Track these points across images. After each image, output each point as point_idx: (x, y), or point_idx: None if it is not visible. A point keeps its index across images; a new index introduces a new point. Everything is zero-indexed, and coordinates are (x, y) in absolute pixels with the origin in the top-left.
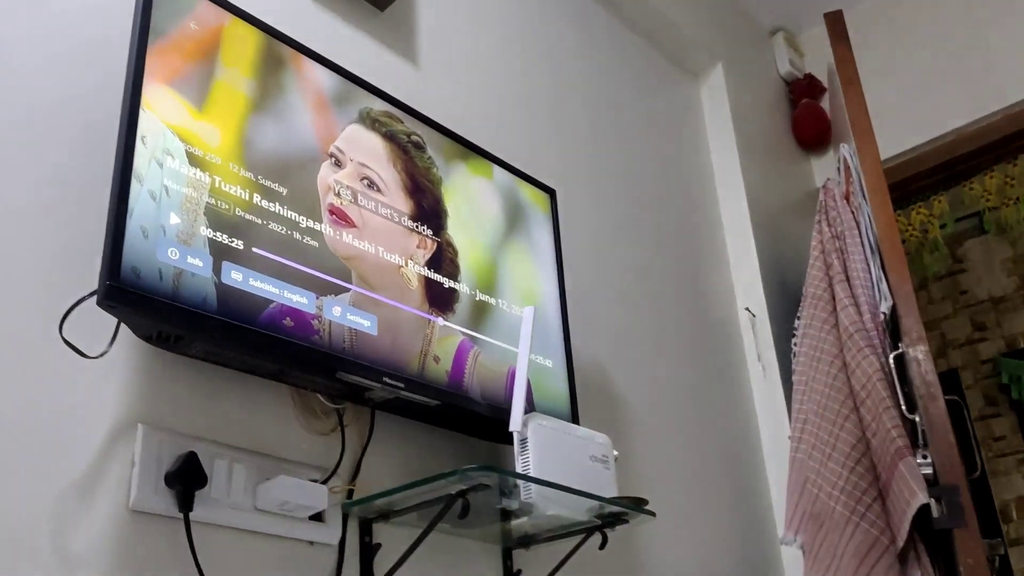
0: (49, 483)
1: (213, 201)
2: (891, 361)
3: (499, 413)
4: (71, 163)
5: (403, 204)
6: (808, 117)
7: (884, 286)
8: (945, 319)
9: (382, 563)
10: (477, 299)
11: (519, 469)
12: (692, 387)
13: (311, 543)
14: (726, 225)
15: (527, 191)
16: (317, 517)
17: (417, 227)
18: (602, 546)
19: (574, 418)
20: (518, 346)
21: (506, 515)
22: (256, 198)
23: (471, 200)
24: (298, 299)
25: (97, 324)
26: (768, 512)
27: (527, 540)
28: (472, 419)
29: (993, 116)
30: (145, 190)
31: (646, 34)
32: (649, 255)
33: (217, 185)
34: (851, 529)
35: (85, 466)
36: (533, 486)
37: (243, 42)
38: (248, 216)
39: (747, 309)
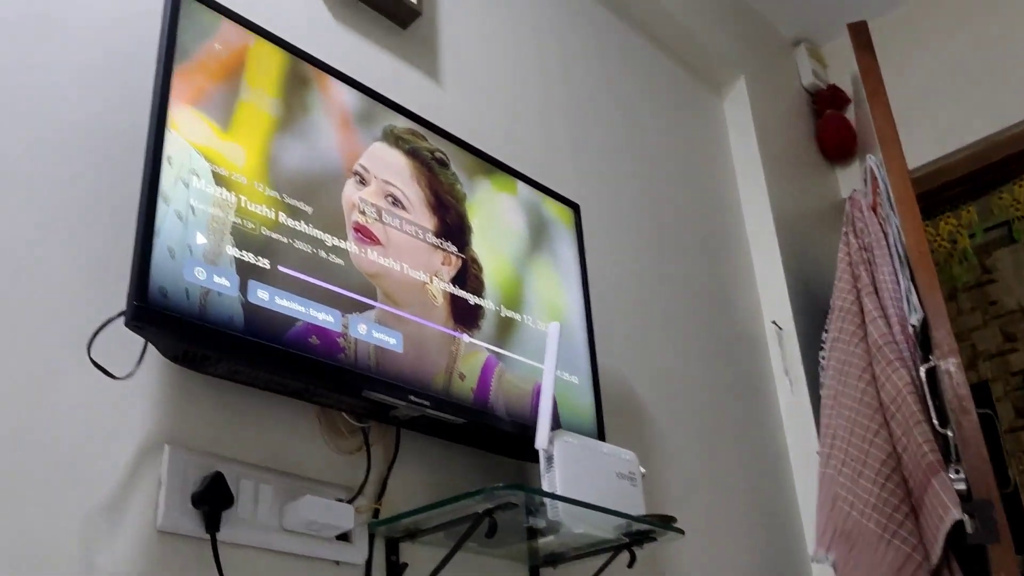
0: (77, 503)
1: (239, 220)
2: (922, 374)
3: (525, 430)
4: (98, 184)
5: (427, 221)
6: (832, 128)
7: (914, 298)
8: (975, 330)
9: None
10: (502, 315)
11: (546, 487)
12: (718, 402)
13: (337, 563)
14: (751, 238)
15: (551, 206)
16: (343, 537)
17: (441, 243)
18: (630, 564)
19: (600, 435)
20: (543, 362)
21: (533, 533)
22: (282, 217)
23: (495, 216)
24: (324, 317)
25: (125, 344)
26: (798, 529)
27: (554, 559)
28: (498, 437)
29: (1022, 124)
30: (172, 210)
31: (668, 48)
32: (673, 269)
33: (243, 204)
34: (884, 546)
35: (113, 487)
36: (560, 504)
37: (267, 62)
38: (274, 235)
39: (773, 322)
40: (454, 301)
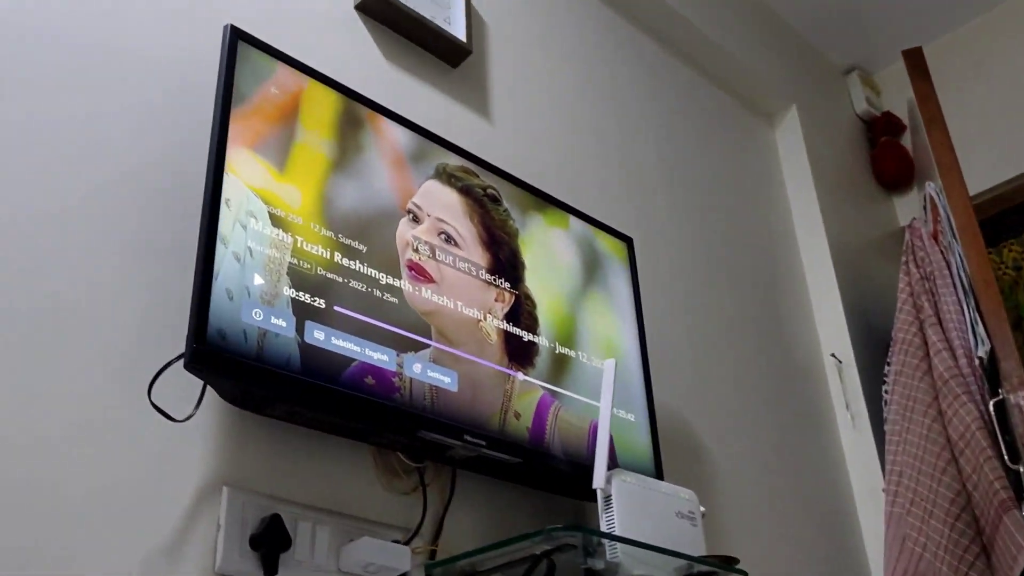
0: (138, 546)
1: (295, 261)
2: (991, 408)
3: (581, 470)
4: (157, 229)
5: (480, 257)
6: (889, 156)
7: (980, 328)
8: None
9: None
10: (557, 352)
11: (604, 527)
12: (778, 438)
13: None
14: (807, 269)
15: (604, 240)
16: None
17: (495, 280)
18: None
19: (658, 473)
20: (599, 400)
21: (591, 575)
22: (337, 256)
23: (548, 251)
24: (379, 357)
25: (184, 387)
26: (864, 569)
27: None
28: (554, 476)
29: None
30: (230, 252)
31: (718, 79)
32: (728, 302)
33: (299, 245)
34: None
35: (172, 529)
36: (619, 545)
37: (322, 104)
38: (329, 275)
39: (833, 355)
40: (508, 338)
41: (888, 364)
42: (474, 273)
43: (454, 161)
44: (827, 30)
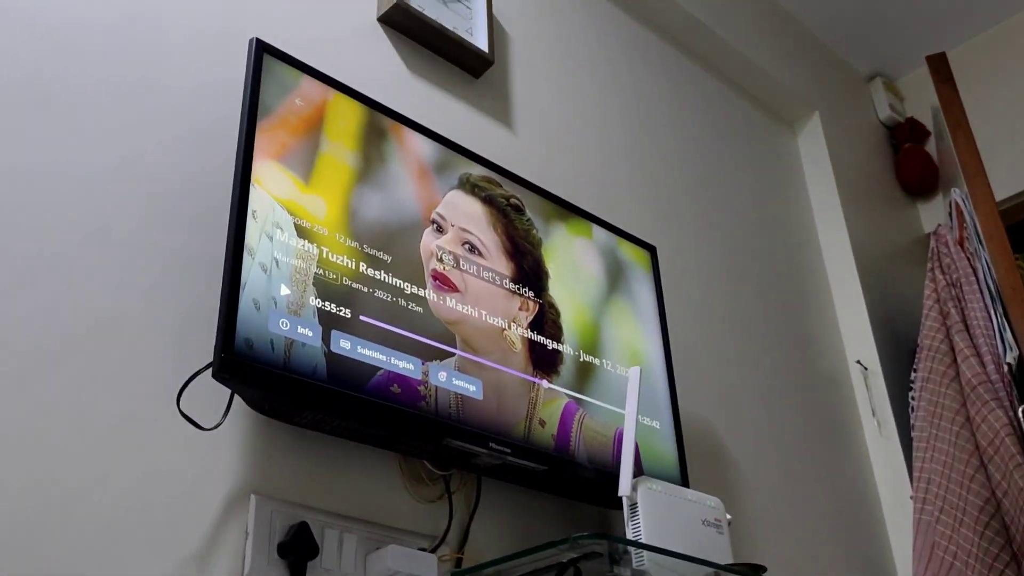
0: (167, 553)
1: (321, 271)
2: (1020, 414)
3: (607, 477)
4: (186, 241)
5: (504, 267)
6: (912, 162)
7: (1008, 335)
8: None
9: None
10: (581, 360)
11: (630, 535)
12: (804, 445)
13: None
14: (831, 276)
15: (627, 249)
16: None
17: (519, 289)
18: None
19: (684, 481)
20: (624, 407)
21: None
22: (362, 267)
23: (571, 260)
24: (404, 365)
25: (212, 396)
26: None
27: None
28: (579, 484)
29: None
30: (256, 263)
31: (740, 87)
32: (752, 309)
33: (325, 255)
34: None
35: (201, 537)
36: (645, 553)
37: (346, 115)
38: (355, 285)
39: (858, 362)
40: (532, 347)
41: (914, 371)
42: (498, 282)
43: (477, 171)
44: (850, 37)
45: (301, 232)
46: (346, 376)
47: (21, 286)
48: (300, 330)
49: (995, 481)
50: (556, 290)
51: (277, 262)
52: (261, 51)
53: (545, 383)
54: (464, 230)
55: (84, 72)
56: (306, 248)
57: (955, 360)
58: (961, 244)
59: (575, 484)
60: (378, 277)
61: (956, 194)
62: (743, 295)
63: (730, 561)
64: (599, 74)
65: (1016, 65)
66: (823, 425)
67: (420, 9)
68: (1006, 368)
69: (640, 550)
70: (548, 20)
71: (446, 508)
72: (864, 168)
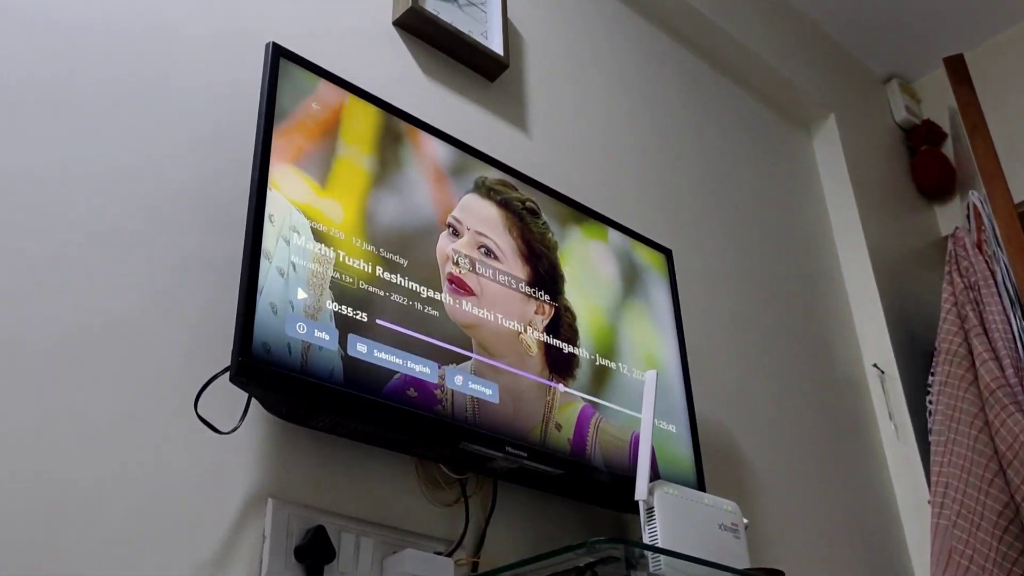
0: (185, 557)
1: (338, 275)
2: None
3: (623, 481)
4: (204, 245)
5: (520, 270)
6: (929, 164)
7: None
8: None
9: None
10: (597, 364)
11: (646, 540)
12: (820, 449)
13: None
14: (847, 279)
15: (643, 252)
16: None
17: (534, 293)
18: None
19: (700, 485)
20: (640, 411)
21: None
22: (379, 270)
23: (587, 263)
24: (421, 369)
25: (229, 400)
26: None
27: None
28: (595, 488)
29: None
30: (273, 267)
31: (755, 89)
32: (768, 313)
33: (341, 259)
34: None
35: (219, 540)
36: (662, 557)
37: (362, 119)
38: (371, 288)
39: (875, 366)
40: (548, 350)
41: (932, 374)
42: (514, 286)
43: (493, 175)
44: (866, 38)
45: (318, 236)
46: (363, 380)
47: (37, 289)
48: (317, 334)
49: (1014, 486)
50: (572, 294)
51: (294, 266)
52: (278, 55)
53: (561, 387)
54: (480, 234)
55: (100, 75)
56: (323, 252)
57: (973, 364)
58: (979, 247)
59: (591, 488)
60: (394, 281)
61: (974, 196)
62: (759, 298)
63: (747, 566)
64: (614, 77)
65: None
66: (840, 429)
67: (435, 13)
68: None
69: (657, 554)
70: (563, 23)
71: (462, 512)
72: (880, 170)
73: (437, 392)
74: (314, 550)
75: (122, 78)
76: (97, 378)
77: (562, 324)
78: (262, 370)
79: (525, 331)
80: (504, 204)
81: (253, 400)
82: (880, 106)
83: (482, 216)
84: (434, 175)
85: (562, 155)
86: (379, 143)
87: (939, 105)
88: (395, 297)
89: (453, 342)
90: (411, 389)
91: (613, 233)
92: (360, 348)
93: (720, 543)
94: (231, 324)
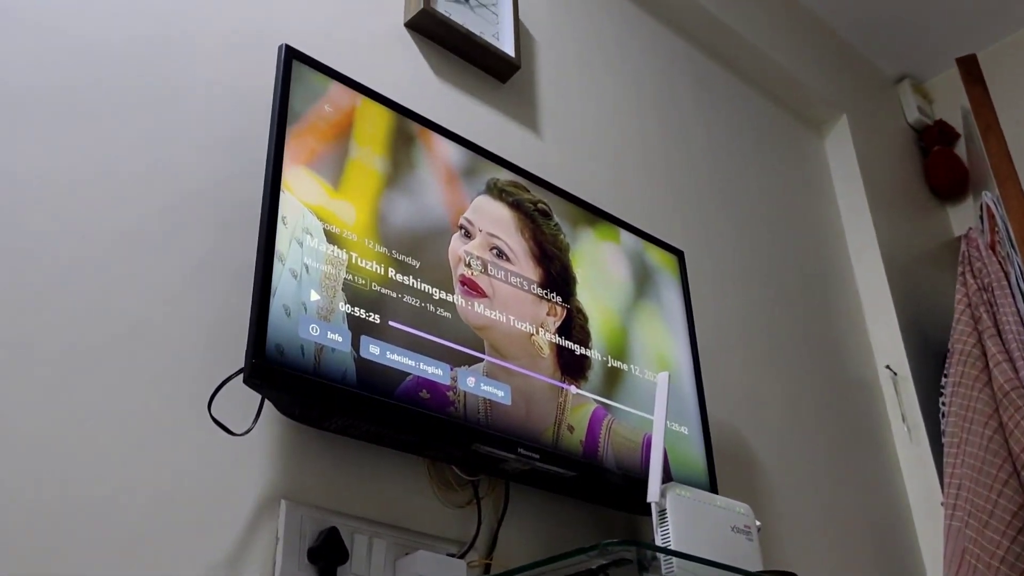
0: (198, 558)
1: (351, 277)
2: None
3: (635, 483)
4: (217, 248)
5: (532, 272)
6: (942, 165)
7: None
8: None
9: None
10: (609, 365)
11: (659, 542)
12: (833, 451)
13: None
14: (859, 280)
15: (654, 254)
16: None
17: (546, 294)
18: None
19: (713, 487)
20: (652, 413)
21: None
22: (391, 272)
23: (599, 265)
24: (433, 371)
25: (243, 402)
26: None
27: None
28: (608, 489)
29: None
30: (287, 269)
31: (766, 90)
32: (780, 314)
33: (354, 261)
34: None
35: (232, 541)
36: (675, 560)
37: (374, 121)
38: (384, 290)
39: (888, 367)
40: (560, 352)
41: (945, 376)
42: (526, 288)
43: (505, 176)
44: (877, 38)
45: (331, 238)
46: (376, 381)
47: (53, 291)
48: (330, 336)
49: None
50: (584, 295)
51: (307, 268)
52: (290, 57)
53: (573, 388)
54: (492, 235)
55: (115, 80)
56: (336, 254)
57: (987, 365)
58: (993, 248)
59: (603, 490)
60: (407, 282)
61: (987, 197)
62: (771, 299)
63: (760, 568)
64: (625, 78)
65: None
66: (852, 431)
67: (447, 14)
68: None
69: (669, 557)
70: (574, 24)
71: (475, 513)
72: (892, 171)
73: (449, 394)
74: (327, 551)
75: (136, 82)
76: (111, 379)
77: (574, 326)
78: (275, 372)
79: (537, 333)
80: (516, 206)
81: (266, 402)
82: (892, 107)
83: (494, 218)
84: (446, 177)
85: (574, 156)
86: (391, 145)
87: (951, 105)
88: (407, 299)
89: (465, 344)
90: (424, 391)
91: (625, 235)
92: (373, 350)
93: (733, 545)
94: (245, 326)
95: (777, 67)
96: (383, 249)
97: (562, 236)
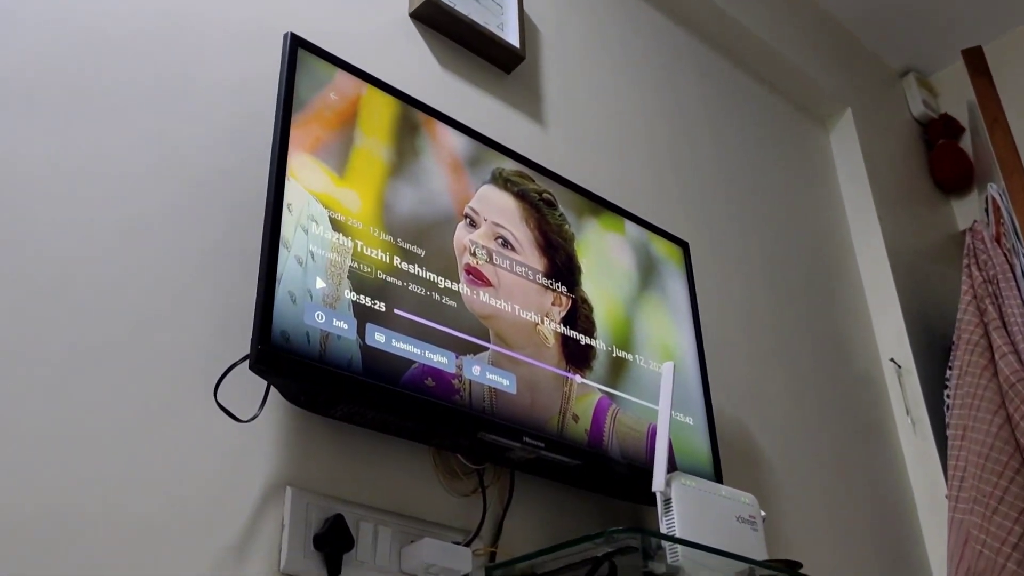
0: (204, 545)
1: (356, 265)
2: None
3: (640, 473)
4: (223, 235)
5: (537, 262)
6: (947, 158)
7: None
8: None
9: None
10: (614, 355)
11: (664, 530)
12: (837, 443)
13: None
14: (864, 273)
15: (659, 244)
16: None
17: (551, 284)
18: None
19: (717, 477)
20: (657, 403)
21: None
22: (396, 260)
23: (604, 255)
24: (439, 359)
25: (248, 388)
26: (927, 575)
27: None
28: (613, 479)
29: None
30: (292, 256)
31: (771, 83)
32: (785, 306)
33: (359, 249)
34: None
35: (238, 528)
36: (680, 548)
37: (379, 110)
38: (389, 278)
39: (892, 360)
40: (565, 342)
41: (950, 368)
42: (531, 277)
43: (510, 166)
44: (882, 32)
45: (336, 225)
46: (381, 369)
47: (60, 281)
48: (336, 323)
49: None
50: (589, 285)
51: (312, 255)
52: (296, 45)
53: (578, 378)
54: (497, 224)
55: (120, 69)
56: (341, 241)
57: (993, 357)
58: (998, 240)
59: (608, 479)
60: (412, 271)
61: (993, 189)
62: (775, 291)
63: (765, 558)
64: (630, 70)
65: None
66: (856, 423)
67: (451, 5)
68: None
69: (675, 545)
70: (579, 15)
71: (480, 502)
72: (897, 164)
73: (455, 382)
74: (332, 539)
75: (142, 71)
76: (118, 366)
77: (579, 315)
78: (281, 358)
79: (542, 322)
80: (521, 195)
81: (272, 389)
82: (897, 100)
83: (499, 207)
84: (451, 166)
85: (578, 147)
86: (396, 133)
87: (957, 99)
88: (413, 287)
89: (471, 332)
90: (429, 379)
91: (630, 225)
92: (378, 337)
93: (738, 535)
94: (250, 313)
95: (782, 60)
96: (388, 237)
97: (567, 226)
